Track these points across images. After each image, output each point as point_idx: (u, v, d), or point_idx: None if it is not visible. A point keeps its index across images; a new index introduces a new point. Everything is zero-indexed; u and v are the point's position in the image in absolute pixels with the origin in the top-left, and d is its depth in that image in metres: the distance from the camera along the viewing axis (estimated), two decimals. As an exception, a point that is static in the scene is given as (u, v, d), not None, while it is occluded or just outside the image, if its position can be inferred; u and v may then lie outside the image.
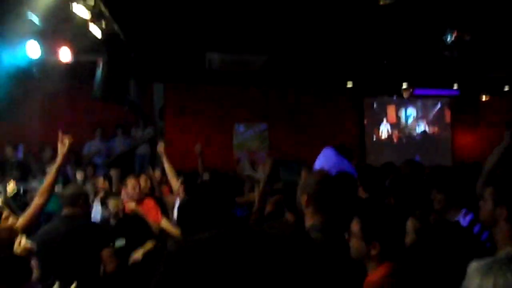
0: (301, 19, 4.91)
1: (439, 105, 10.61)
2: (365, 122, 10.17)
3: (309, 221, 2.03)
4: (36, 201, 2.67)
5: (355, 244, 1.73)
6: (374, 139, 10.36)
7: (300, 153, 7.69)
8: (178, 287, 0.67)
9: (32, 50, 5.30)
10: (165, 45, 6.07)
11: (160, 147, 4.46)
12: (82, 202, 2.98)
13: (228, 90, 8.82)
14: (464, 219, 2.20)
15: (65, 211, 2.95)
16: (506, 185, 1.78)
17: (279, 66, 7.16)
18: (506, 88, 8.94)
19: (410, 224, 1.97)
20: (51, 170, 2.82)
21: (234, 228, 0.75)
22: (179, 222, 1.99)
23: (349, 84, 8.55)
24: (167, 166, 4.28)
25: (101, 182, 5.29)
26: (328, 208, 2.05)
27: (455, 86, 8.91)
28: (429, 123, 10.68)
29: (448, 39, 3.71)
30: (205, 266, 0.66)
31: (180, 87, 8.75)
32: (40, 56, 5.41)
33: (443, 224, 1.96)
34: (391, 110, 10.52)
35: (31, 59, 5.54)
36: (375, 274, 1.68)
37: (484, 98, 9.27)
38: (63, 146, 2.80)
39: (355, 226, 1.74)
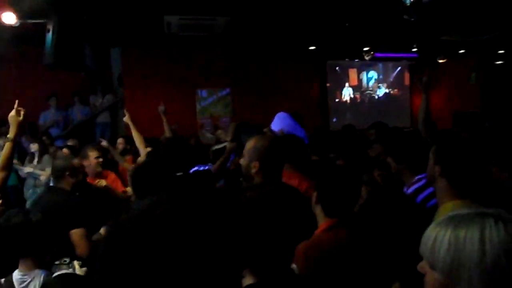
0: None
1: (399, 68, 10.85)
2: (328, 85, 10.28)
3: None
4: None
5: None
6: (337, 102, 10.52)
7: (264, 117, 7.68)
8: (117, 262, 0.68)
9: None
10: (121, 8, 5.75)
11: (127, 117, 4.31)
12: (68, 175, 2.88)
13: (189, 55, 8.58)
14: (407, 188, 2.27)
15: (53, 183, 2.99)
16: (446, 144, 1.87)
17: (241, 30, 7.00)
18: (462, 51, 9.24)
19: (363, 190, 2.05)
20: (7, 142, 2.65)
21: (173, 194, 0.75)
22: (133, 186, 2.04)
23: (312, 47, 8.54)
24: (135, 134, 4.15)
25: (66, 153, 5.10)
26: (278, 176, 2.11)
27: (414, 49, 9.11)
28: (389, 86, 10.95)
29: (408, 1, 3.74)
30: (139, 241, 0.68)
31: (138, 52, 8.41)
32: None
33: (384, 193, 2.05)
34: (353, 73, 10.67)
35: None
36: (317, 230, 1.77)
37: (440, 60, 9.53)
38: (18, 116, 2.66)
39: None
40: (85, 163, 3.86)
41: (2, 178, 2.57)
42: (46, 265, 1.91)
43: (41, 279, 1.82)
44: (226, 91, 9.16)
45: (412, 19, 3.93)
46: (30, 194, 5.52)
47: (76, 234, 2.62)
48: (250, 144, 2.13)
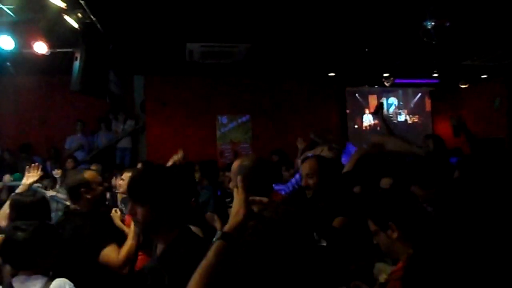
0: (282, 8, 4.88)
1: (419, 94, 10.75)
2: (348, 111, 10.24)
3: None
4: None
5: None
6: (356, 128, 10.44)
7: (283, 143, 7.69)
8: None
9: (5, 43, 5.14)
10: (144, 37, 5.95)
11: None
12: (84, 191, 2.61)
13: (209, 82, 8.75)
14: None
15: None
16: None
17: (261, 57, 7.12)
18: (484, 76, 9.12)
19: None
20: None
21: None
22: None
23: (331, 74, 8.58)
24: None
25: None
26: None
27: (435, 75, 9.05)
28: (410, 112, 10.83)
29: (428, 24, 3.74)
30: None
31: (161, 79, 8.63)
32: (13, 49, 5.25)
33: None
34: (372, 99, 10.62)
35: (5, 51, 5.38)
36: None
37: (462, 86, 9.42)
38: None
39: None
40: (119, 184, 3.83)
41: None
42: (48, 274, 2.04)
43: (41, 284, 1.95)
44: (246, 118, 9.23)
45: (433, 43, 3.91)
46: (52, 217, 5.57)
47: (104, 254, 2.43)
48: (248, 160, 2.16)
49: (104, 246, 2.44)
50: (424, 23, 3.78)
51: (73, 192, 2.64)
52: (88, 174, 2.69)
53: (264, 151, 7.60)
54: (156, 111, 8.68)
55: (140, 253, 2.62)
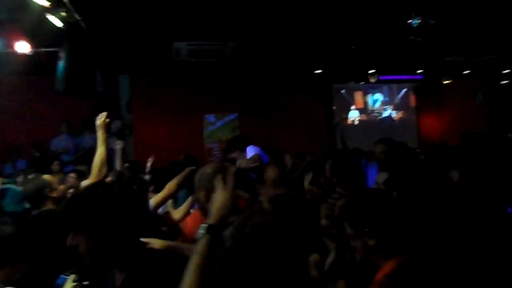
0: (270, 6, 4.88)
1: (404, 90, 10.89)
2: (334, 108, 10.32)
3: None
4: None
5: None
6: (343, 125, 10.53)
7: (271, 141, 7.73)
8: None
9: (-13, 42, 5.04)
10: (130, 35, 5.89)
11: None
12: (49, 191, 2.82)
13: (197, 80, 8.71)
14: None
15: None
16: None
17: (248, 55, 7.11)
18: (467, 72, 9.29)
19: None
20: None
21: None
22: None
23: (318, 71, 8.64)
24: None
25: (73, 177, 5.08)
26: None
27: (419, 71, 9.18)
28: (395, 108, 10.97)
29: (414, 23, 3.80)
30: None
31: (147, 79, 8.56)
32: (-4, 49, 5.15)
33: None
34: (358, 95, 10.73)
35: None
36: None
37: (445, 82, 9.59)
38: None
39: None
40: None
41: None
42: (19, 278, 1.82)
43: None
44: (233, 116, 9.23)
45: (419, 40, 3.98)
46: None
47: None
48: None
49: None
50: (410, 21, 3.83)
51: (38, 195, 2.79)
52: (45, 177, 2.99)
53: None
54: (143, 111, 8.61)
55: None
